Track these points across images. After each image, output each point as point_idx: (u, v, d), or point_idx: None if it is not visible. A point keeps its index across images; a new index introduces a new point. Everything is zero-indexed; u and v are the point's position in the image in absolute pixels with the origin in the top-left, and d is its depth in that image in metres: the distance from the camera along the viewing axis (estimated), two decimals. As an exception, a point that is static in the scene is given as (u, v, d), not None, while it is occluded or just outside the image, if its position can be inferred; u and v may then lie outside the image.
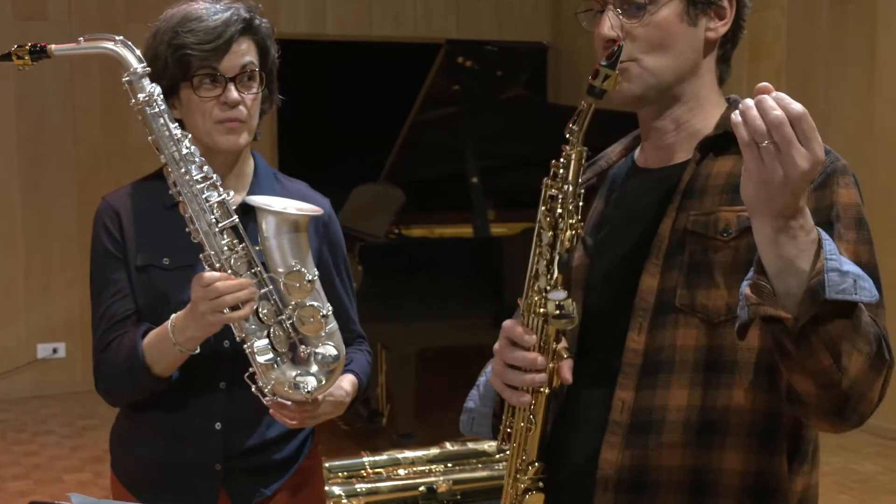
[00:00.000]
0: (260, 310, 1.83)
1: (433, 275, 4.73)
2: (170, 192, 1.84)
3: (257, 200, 1.85)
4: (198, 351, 1.86)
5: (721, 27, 1.58)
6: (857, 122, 5.12)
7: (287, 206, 1.86)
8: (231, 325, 1.82)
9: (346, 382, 1.99)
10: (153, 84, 1.84)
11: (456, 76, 4.93)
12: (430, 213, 5.31)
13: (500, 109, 5.19)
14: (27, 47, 1.85)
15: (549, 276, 1.47)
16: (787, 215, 1.32)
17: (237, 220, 1.84)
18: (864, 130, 5.09)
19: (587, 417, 1.55)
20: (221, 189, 1.84)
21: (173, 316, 1.87)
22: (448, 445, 3.00)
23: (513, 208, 5.28)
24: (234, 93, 1.94)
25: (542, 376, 1.49)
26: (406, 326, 4.63)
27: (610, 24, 1.55)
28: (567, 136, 1.46)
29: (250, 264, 1.84)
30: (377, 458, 2.92)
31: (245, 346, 1.82)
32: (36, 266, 5.84)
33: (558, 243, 1.47)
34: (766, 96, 1.30)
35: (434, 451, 2.97)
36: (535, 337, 1.49)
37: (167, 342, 1.86)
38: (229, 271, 1.82)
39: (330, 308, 1.87)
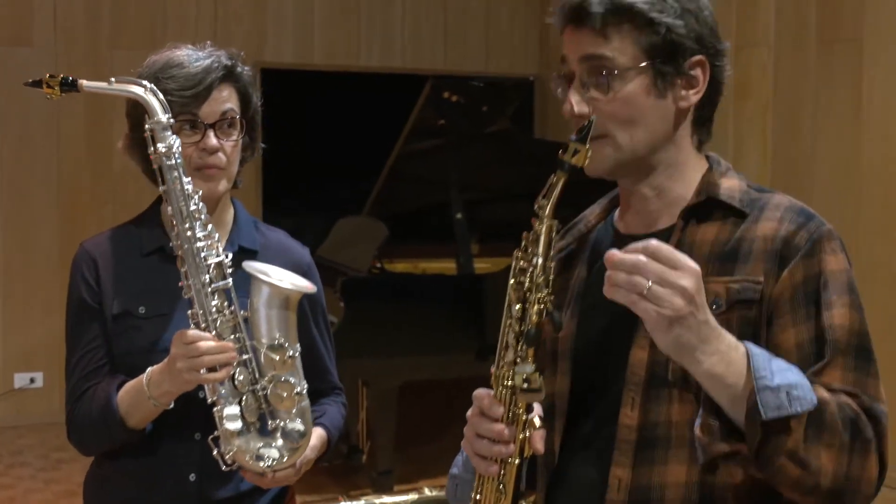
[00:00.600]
0: (237, 375, 1.83)
1: (415, 309, 4.72)
2: (171, 243, 1.85)
3: (254, 267, 1.85)
4: (171, 406, 1.86)
5: (693, 96, 1.55)
6: (844, 159, 5.14)
7: (283, 277, 1.87)
8: (205, 385, 1.82)
9: (315, 437, 1.98)
10: (174, 136, 1.85)
11: (441, 110, 4.94)
12: (415, 246, 5.30)
13: (485, 143, 5.19)
14: (59, 78, 1.86)
15: (517, 349, 1.46)
16: (704, 339, 1.34)
17: (230, 283, 1.84)
18: (851, 167, 5.11)
19: (581, 495, 1.54)
20: (221, 250, 1.85)
21: (149, 369, 1.86)
22: (426, 490, 2.97)
23: (497, 242, 5.28)
24: (212, 139, 1.94)
25: (510, 448, 1.48)
26: (387, 361, 4.62)
27: (577, 99, 1.53)
28: (536, 209, 1.45)
29: (235, 328, 1.85)
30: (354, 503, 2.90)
31: (215, 408, 1.82)
32: (15, 293, 5.81)
33: (527, 317, 1.45)
34: (615, 255, 1.34)
35: (412, 496, 2.95)
36: (502, 409, 1.47)
37: (142, 395, 1.86)
38: (213, 332, 1.82)
39: (305, 386, 1.87)
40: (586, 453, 1.54)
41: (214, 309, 1.83)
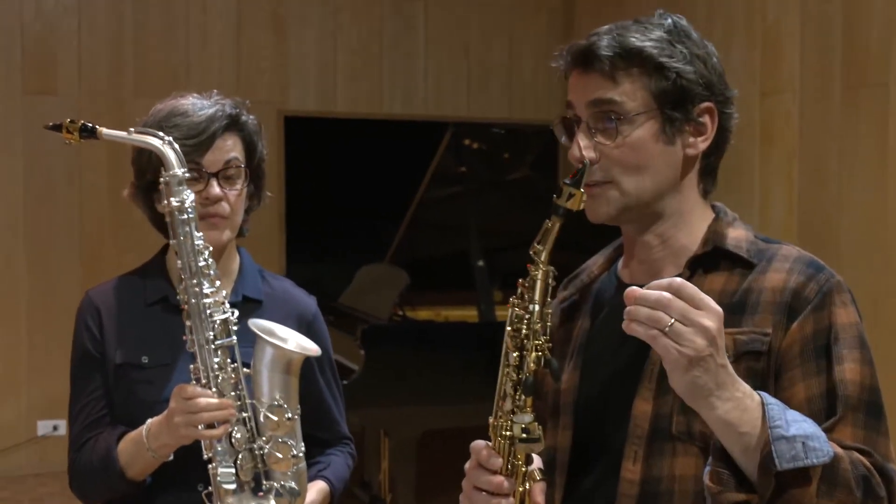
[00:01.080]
0: (234, 433, 1.82)
1: (436, 357, 4.70)
2: (176, 294, 1.85)
3: (259, 325, 1.84)
4: (171, 458, 1.85)
5: (701, 143, 1.54)
6: (871, 207, 5.09)
7: (288, 337, 1.86)
8: (202, 440, 1.81)
9: (315, 492, 1.96)
10: (189, 191, 1.85)
11: (463, 157, 4.94)
12: (436, 293, 5.29)
13: (506, 190, 5.19)
14: (79, 124, 1.87)
15: (515, 398, 1.44)
16: (721, 384, 1.31)
17: (235, 340, 1.84)
18: (877, 215, 5.06)
19: None
20: (227, 307, 1.84)
21: (149, 421, 1.86)
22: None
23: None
24: (215, 188, 1.94)
25: (509, 501, 1.45)
26: (408, 410, 4.59)
27: (584, 144, 1.52)
28: (532, 254, 1.44)
29: (236, 386, 1.84)
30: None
31: (210, 465, 1.81)
32: (39, 341, 5.84)
33: (525, 365, 1.44)
34: (637, 291, 1.32)
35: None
36: (500, 461, 1.45)
37: (141, 447, 1.86)
38: (213, 389, 1.82)
39: (303, 449, 1.86)
40: None
41: (217, 365, 1.83)
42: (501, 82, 6.86)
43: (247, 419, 1.84)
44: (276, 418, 1.82)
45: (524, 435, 1.42)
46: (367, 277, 5.31)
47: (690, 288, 1.31)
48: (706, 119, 1.54)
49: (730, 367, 1.33)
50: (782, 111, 5.59)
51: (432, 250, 5.29)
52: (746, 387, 1.34)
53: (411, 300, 5.09)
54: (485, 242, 5.05)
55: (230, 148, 1.98)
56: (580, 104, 1.55)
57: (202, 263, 1.84)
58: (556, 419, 1.58)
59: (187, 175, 1.85)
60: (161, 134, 1.86)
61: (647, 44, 1.52)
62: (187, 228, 1.84)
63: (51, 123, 1.90)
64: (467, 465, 1.50)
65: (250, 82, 6.20)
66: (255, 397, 1.84)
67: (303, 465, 1.86)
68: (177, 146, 1.85)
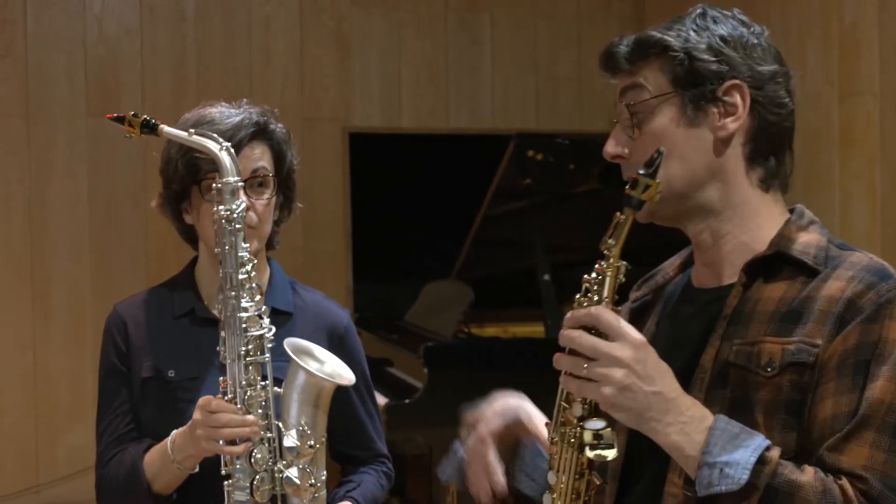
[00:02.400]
0: (255, 453, 1.81)
1: (502, 375, 4.64)
2: (217, 306, 1.84)
3: (297, 345, 1.83)
4: (196, 470, 1.84)
5: (731, 123, 1.48)
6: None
7: (326, 361, 1.85)
8: (222, 456, 1.79)
9: None
10: (241, 201, 1.84)
11: (526, 170, 4.91)
12: (503, 309, 5.26)
13: (574, 203, 5.14)
14: (141, 119, 1.88)
15: (584, 403, 1.41)
16: (658, 410, 1.32)
17: (268, 358, 1.82)
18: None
19: None
20: (266, 323, 1.83)
21: (174, 433, 1.85)
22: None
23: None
24: (242, 197, 1.93)
25: None
26: (474, 430, 4.55)
27: (614, 141, 1.53)
28: (603, 250, 1.40)
29: (264, 405, 1.82)
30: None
31: (227, 482, 1.79)
32: (105, 365, 5.91)
33: None
34: (562, 331, 1.35)
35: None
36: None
37: (167, 459, 1.85)
38: (240, 405, 1.80)
39: (323, 479, 1.83)
40: None
41: (245, 381, 1.81)
42: (570, 94, 6.80)
43: (270, 440, 1.81)
44: (298, 444, 1.80)
45: (596, 441, 1.40)
46: (432, 295, 5.29)
47: (606, 317, 1.32)
48: (735, 98, 1.48)
49: (671, 392, 1.32)
50: (862, 114, 5.46)
51: (498, 266, 5.26)
52: (699, 410, 1.34)
53: (477, 317, 5.05)
54: (552, 257, 5.00)
55: (258, 157, 1.97)
56: (617, 102, 1.55)
57: (243, 276, 1.83)
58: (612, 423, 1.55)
59: (241, 184, 1.84)
60: (219, 139, 1.85)
61: (658, 33, 1.51)
62: (234, 238, 1.84)
63: (114, 115, 1.90)
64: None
65: (314, 100, 6.22)
66: (281, 419, 1.82)
67: (322, 493, 1.84)
68: (234, 155, 1.85)
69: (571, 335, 1.34)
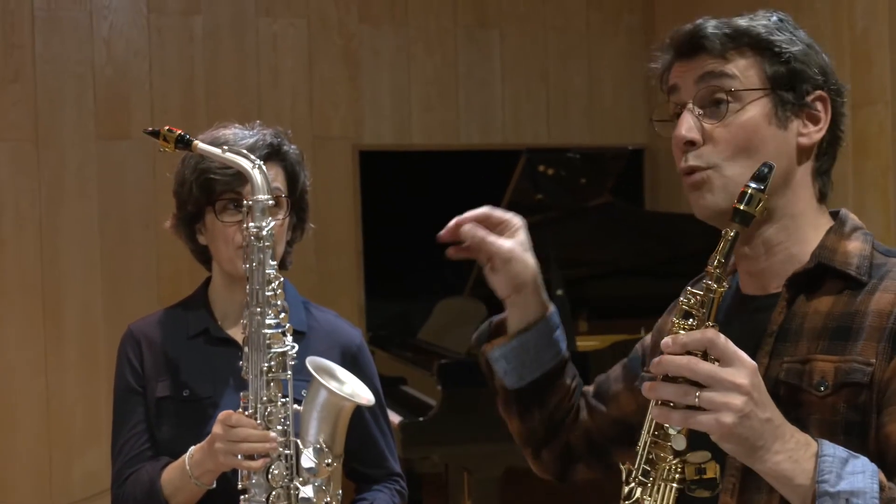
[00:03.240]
0: (272, 469, 1.83)
1: (517, 392, 4.67)
2: (242, 320, 1.88)
3: (318, 364, 1.86)
4: (214, 485, 1.87)
5: (815, 133, 1.47)
6: (972, 221, 4.96)
7: (346, 382, 1.87)
8: (239, 471, 1.83)
9: None
10: (270, 219, 1.88)
11: (538, 185, 4.93)
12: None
13: (587, 217, 5.16)
14: (175, 134, 1.91)
15: (685, 434, 1.33)
16: (769, 438, 1.27)
17: (289, 375, 1.86)
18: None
19: None
20: (289, 341, 1.86)
21: (192, 448, 1.89)
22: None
23: (603, 319, 5.21)
24: None
25: None
26: (489, 447, 4.57)
27: (689, 125, 1.46)
28: (708, 269, 1.34)
29: (283, 421, 1.85)
30: None
31: (242, 496, 1.82)
32: (118, 388, 5.94)
33: None
34: (663, 359, 1.26)
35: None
36: None
37: (185, 475, 1.88)
38: (259, 420, 1.83)
39: (339, 498, 1.86)
40: None
41: (266, 397, 1.84)
42: (581, 107, 6.83)
43: (288, 456, 1.85)
44: (315, 462, 1.83)
45: (698, 476, 1.33)
46: (445, 312, 5.31)
47: (721, 341, 1.26)
48: (819, 108, 1.48)
49: (777, 419, 1.28)
50: (875, 123, 5.48)
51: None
52: (802, 436, 1.29)
53: (491, 334, 5.06)
54: (565, 272, 5.02)
55: (272, 178, 2.01)
56: (687, 84, 1.49)
57: (269, 293, 1.87)
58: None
59: (272, 203, 1.87)
60: (253, 157, 1.89)
61: (757, 25, 1.47)
62: (262, 256, 1.88)
63: (150, 129, 1.94)
64: None
65: (324, 118, 6.27)
66: (300, 436, 1.85)
67: None
68: (266, 173, 1.88)
69: (681, 362, 1.25)
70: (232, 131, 2.03)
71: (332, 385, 1.83)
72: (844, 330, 1.41)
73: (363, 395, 1.89)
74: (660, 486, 1.37)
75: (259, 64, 6.23)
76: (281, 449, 1.84)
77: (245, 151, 1.87)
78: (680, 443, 1.35)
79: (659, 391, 1.28)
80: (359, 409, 2.03)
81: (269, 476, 1.83)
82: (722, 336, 1.27)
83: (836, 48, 5.59)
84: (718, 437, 1.27)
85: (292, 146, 2.07)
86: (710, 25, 1.48)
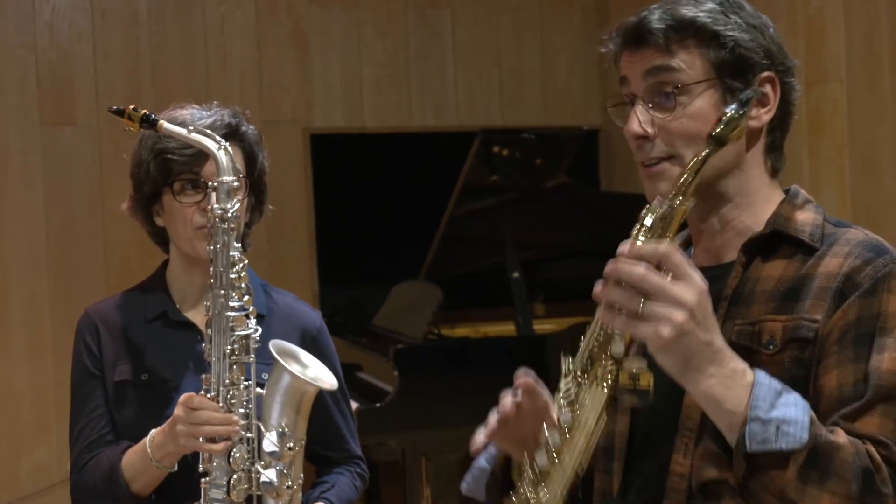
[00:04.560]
0: (234, 452, 1.86)
1: (474, 376, 4.71)
2: (206, 302, 1.90)
3: (282, 348, 1.88)
4: (175, 468, 1.89)
5: (764, 115, 1.54)
6: (927, 198, 5.06)
7: (309, 366, 1.89)
8: (200, 453, 1.85)
9: None
10: (235, 202, 1.89)
11: (493, 166, 4.96)
12: (473, 309, 5.31)
13: (543, 198, 5.20)
14: (141, 113, 1.92)
15: (626, 341, 1.39)
16: (705, 359, 1.31)
17: (252, 359, 1.88)
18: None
19: None
20: (253, 323, 1.88)
21: (153, 431, 1.91)
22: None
23: (561, 302, 5.27)
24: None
25: None
26: (448, 433, 4.60)
27: (639, 119, 1.53)
28: (679, 183, 1.38)
29: (246, 404, 1.87)
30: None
31: (203, 479, 1.84)
32: (66, 380, 5.90)
33: None
34: (616, 264, 1.30)
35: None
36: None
37: (146, 458, 1.90)
38: (221, 403, 1.85)
39: (300, 482, 1.89)
40: (640, 500, 1.53)
41: (228, 380, 1.87)
42: (535, 88, 6.87)
43: (250, 440, 1.87)
44: (277, 446, 1.85)
45: (631, 382, 1.35)
46: (400, 296, 5.33)
47: (676, 257, 1.30)
48: (768, 89, 1.54)
49: (718, 343, 1.32)
50: (829, 100, 5.56)
51: (467, 265, 5.31)
52: (741, 364, 1.34)
53: (447, 318, 5.11)
54: (521, 254, 5.06)
55: None
56: (635, 78, 1.55)
57: (233, 276, 1.89)
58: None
59: (237, 184, 1.89)
60: (218, 137, 1.90)
61: (701, 14, 1.53)
62: (226, 238, 1.89)
63: (114, 108, 1.94)
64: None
65: (274, 102, 6.26)
66: (262, 420, 1.87)
67: (298, 496, 1.89)
68: (232, 155, 1.90)
69: (634, 270, 1.28)
70: (189, 111, 2.05)
71: (296, 369, 1.85)
72: (794, 291, 1.48)
73: (326, 379, 1.91)
74: (593, 385, 1.42)
75: (206, 47, 6.22)
76: (243, 432, 1.86)
77: (210, 132, 1.88)
78: (618, 347, 1.39)
79: (609, 294, 1.31)
80: (320, 392, 2.05)
81: (231, 459, 1.85)
82: (679, 252, 1.32)
83: (789, 25, 5.67)
84: (655, 348, 1.32)
85: (250, 126, 2.09)
86: (655, 18, 1.53)
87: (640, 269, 1.29)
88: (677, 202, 1.38)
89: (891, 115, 5.26)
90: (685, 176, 1.39)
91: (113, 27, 6.04)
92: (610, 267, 1.33)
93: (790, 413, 1.31)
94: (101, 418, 2.02)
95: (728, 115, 1.37)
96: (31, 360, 5.92)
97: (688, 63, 1.52)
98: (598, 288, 1.34)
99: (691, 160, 1.39)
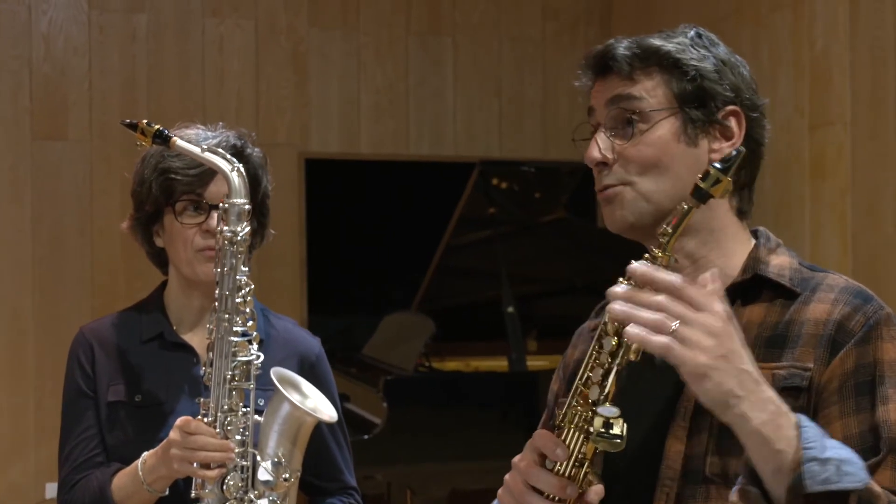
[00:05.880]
0: (228, 480, 1.86)
1: (464, 411, 4.72)
2: (208, 325, 1.91)
3: (283, 376, 1.88)
4: (166, 493, 1.90)
5: (727, 148, 1.54)
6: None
7: (310, 396, 1.89)
8: (194, 479, 1.85)
9: None
10: (245, 224, 1.90)
11: (491, 198, 4.99)
12: (465, 342, 5.32)
13: (540, 233, 5.22)
14: (154, 129, 1.92)
15: (602, 389, 1.39)
16: (748, 390, 1.29)
17: (252, 385, 1.88)
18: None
19: None
20: (255, 350, 1.89)
21: (145, 454, 1.91)
22: None
23: (554, 338, 5.28)
24: (215, 221, 2.00)
25: None
26: (435, 468, 4.61)
27: (599, 146, 1.54)
28: (659, 236, 1.39)
29: (243, 432, 1.88)
30: None
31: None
32: (47, 401, 5.89)
33: (621, 353, 1.38)
34: (634, 292, 1.30)
35: None
36: (566, 451, 1.41)
37: (137, 481, 1.91)
38: (218, 429, 1.86)
39: None
40: None
41: (227, 406, 1.87)
42: (535, 119, 6.90)
43: (245, 468, 1.87)
44: (272, 476, 1.85)
45: (604, 430, 1.36)
46: (391, 327, 5.34)
47: (692, 290, 1.31)
48: (732, 123, 1.55)
49: (756, 374, 1.31)
50: (833, 144, 5.60)
51: (461, 297, 5.32)
52: (782, 403, 1.32)
53: (438, 350, 5.12)
54: (517, 288, 5.08)
55: None
56: (600, 106, 1.57)
57: (238, 300, 1.90)
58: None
59: (248, 208, 1.90)
60: (231, 158, 1.91)
61: (668, 45, 1.55)
62: (234, 261, 1.90)
63: (127, 121, 1.95)
64: (517, 459, 1.45)
65: (270, 124, 6.28)
66: (258, 448, 1.87)
67: None
68: (245, 177, 1.91)
69: (661, 302, 1.28)
70: (194, 131, 2.06)
71: (296, 398, 1.86)
72: (780, 338, 1.49)
73: (326, 411, 1.91)
74: (571, 429, 1.41)
75: (204, 66, 6.24)
76: (238, 460, 1.86)
77: (222, 152, 1.90)
78: (594, 393, 1.39)
79: (639, 316, 1.29)
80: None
81: (224, 487, 1.85)
82: (690, 285, 1.31)
83: (795, 67, 5.71)
84: (692, 379, 1.29)
85: (255, 149, 2.11)
86: (622, 46, 1.56)
87: (663, 298, 1.30)
88: (658, 258, 1.38)
89: (895, 160, 5.30)
90: (666, 228, 1.38)
91: (110, 43, 6.07)
92: (627, 292, 1.32)
93: (844, 454, 1.30)
94: (91, 439, 2.03)
95: (710, 171, 1.36)
96: (10, 378, 5.91)
97: (649, 91, 1.54)
98: (618, 309, 1.32)
99: (672, 218, 1.38)
